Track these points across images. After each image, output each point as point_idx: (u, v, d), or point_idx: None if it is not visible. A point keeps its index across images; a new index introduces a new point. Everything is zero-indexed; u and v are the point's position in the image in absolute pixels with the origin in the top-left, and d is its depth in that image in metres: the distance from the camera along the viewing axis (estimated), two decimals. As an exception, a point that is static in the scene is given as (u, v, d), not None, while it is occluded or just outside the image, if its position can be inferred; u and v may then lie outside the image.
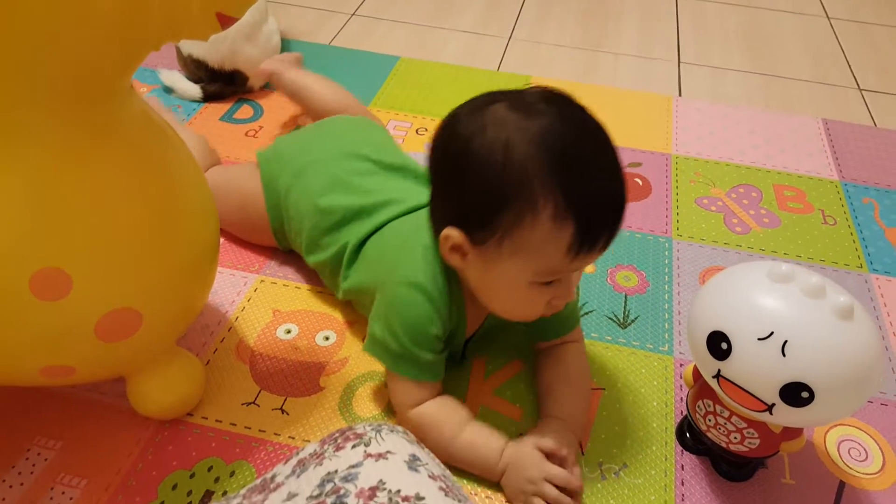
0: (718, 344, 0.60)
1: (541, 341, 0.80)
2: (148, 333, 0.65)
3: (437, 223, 0.68)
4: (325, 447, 0.61)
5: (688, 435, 0.75)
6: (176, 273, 0.65)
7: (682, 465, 0.74)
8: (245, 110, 1.21)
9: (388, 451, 0.59)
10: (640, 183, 1.09)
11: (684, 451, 0.75)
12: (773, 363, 0.57)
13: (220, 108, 1.22)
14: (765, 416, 0.61)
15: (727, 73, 1.40)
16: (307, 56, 1.36)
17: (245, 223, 0.95)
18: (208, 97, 1.22)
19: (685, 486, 0.72)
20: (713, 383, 0.63)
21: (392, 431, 0.60)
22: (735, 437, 0.66)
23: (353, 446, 0.60)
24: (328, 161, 0.87)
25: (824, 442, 0.77)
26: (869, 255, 0.99)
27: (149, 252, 0.62)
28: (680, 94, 1.33)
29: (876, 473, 0.74)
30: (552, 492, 0.67)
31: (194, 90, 1.21)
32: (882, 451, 0.76)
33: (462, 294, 0.72)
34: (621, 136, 1.20)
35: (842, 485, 0.73)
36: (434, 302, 0.69)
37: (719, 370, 0.61)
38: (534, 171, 0.59)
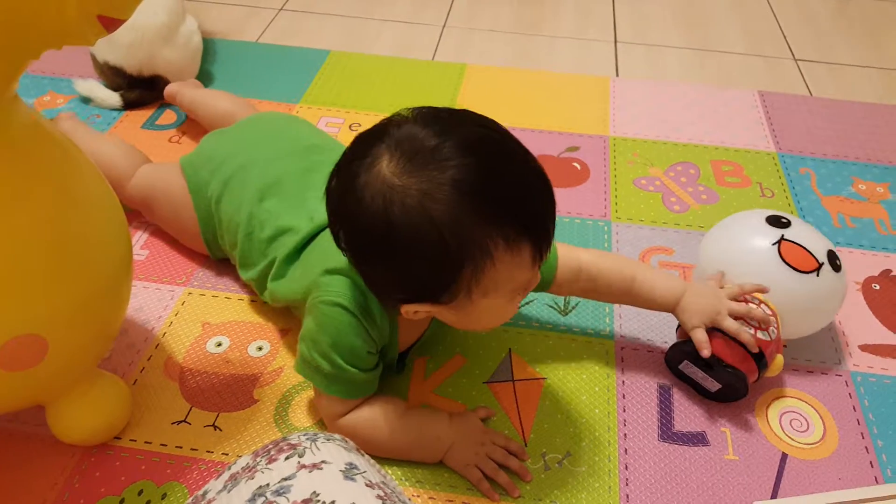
0: (779, 219, 0.81)
1: (546, 290, 0.79)
2: (57, 360, 0.62)
3: (382, 294, 0.66)
4: (258, 460, 0.59)
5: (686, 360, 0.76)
6: (82, 295, 0.61)
7: (626, 450, 0.73)
8: (168, 116, 1.17)
9: (322, 461, 0.57)
10: (579, 167, 1.08)
11: (627, 436, 0.74)
12: (820, 235, 0.81)
13: (142, 115, 1.17)
14: (811, 280, 0.76)
15: (664, 51, 1.40)
16: (232, 55, 1.33)
17: (178, 228, 0.92)
18: (129, 105, 1.17)
19: (629, 470, 0.71)
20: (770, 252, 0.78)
21: (328, 440, 0.58)
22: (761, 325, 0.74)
23: (287, 458, 0.57)
24: (262, 164, 0.84)
25: (766, 415, 0.76)
26: (806, 224, 1.00)
27: (50, 274, 0.59)
28: (617, 75, 1.32)
29: (817, 443, 0.74)
30: (500, 452, 0.70)
31: (113, 98, 1.17)
32: (822, 420, 0.76)
33: (396, 316, 0.69)
34: (558, 120, 1.21)
35: (784, 457, 0.73)
36: (361, 321, 0.67)
37: (782, 235, 0.79)
38: (471, 225, 0.57)
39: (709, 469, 0.71)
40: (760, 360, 0.73)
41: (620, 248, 0.95)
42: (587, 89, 1.26)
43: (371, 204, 0.57)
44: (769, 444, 0.74)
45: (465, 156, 0.57)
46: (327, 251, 0.70)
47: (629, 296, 0.78)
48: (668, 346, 0.82)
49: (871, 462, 0.73)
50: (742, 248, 0.80)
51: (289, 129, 0.91)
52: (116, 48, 1.15)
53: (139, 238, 0.95)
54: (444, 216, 0.56)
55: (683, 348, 0.76)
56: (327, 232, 0.73)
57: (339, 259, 0.67)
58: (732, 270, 0.79)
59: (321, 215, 0.73)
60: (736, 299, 0.75)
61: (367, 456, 0.61)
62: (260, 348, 0.82)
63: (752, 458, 0.72)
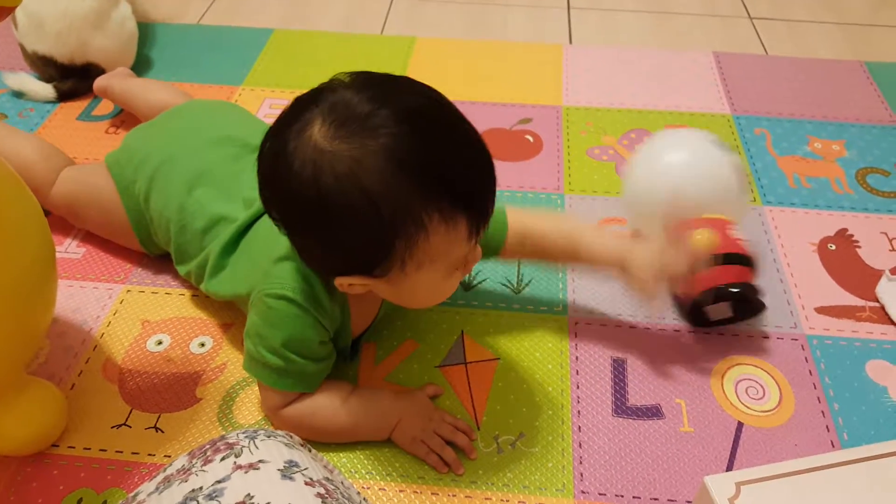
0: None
1: (495, 256, 0.77)
2: (-27, 369, 0.59)
3: (317, 268, 0.63)
4: (194, 461, 0.56)
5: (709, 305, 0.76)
6: (-4, 299, 0.58)
7: (580, 427, 0.71)
8: (105, 106, 1.12)
9: (260, 461, 0.55)
10: (532, 140, 1.05)
11: (581, 413, 0.72)
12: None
13: (78, 106, 1.12)
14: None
15: (618, 15, 1.37)
16: (172, 40, 1.28)
17: (111, 230, 0.88)
18: (63, 96, 1.12)
19: (583, 447, 0.70)
20: None
21: (269, 437, 0.55)
22: None
23: (223, 458, 0.55)
24: (188, 155, 0.80)
25: (722, 384, 0.75)
26: (762, 186, 0.98)
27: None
28: (571, 42, 1.29)
29: (773, 410, 0.73)
30: (448, 428, 0.69)
31: (46, 90, 1.12)
32: (779, 386, 0.75)
33: (346, 299, 0.67)
34: (511, 91, 1.17)
35: (740, 426, 0.71)
36: (308, 311, 0.65)
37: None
38: (404, 196, 0.54)
39: (664, 442, 0.70)
40: (748, 260, 0.75)
41: (574, 221, 0.93)
42: (540, 58, 1.23)
43: (301, 171, 0.55)
44: (725, 413, 0.72)
45: (399, 124, 0.54)
46: (270, 239, 0.67)
47: (575, 255, 0.76)
48: (622, 318, 0.81)
49: (826, 426, 0.72)
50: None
51: (215, 116, 0.87)
52: (45, 37, 1.10)
53: (75, 236, 0.91)
54: (375, 185, 0.54)
55: (698, 301, 0.75)
56: (266, 219, 0.70)
57: (285, 244, 0.65)
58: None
59: (258, 202, 0.69)
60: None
61: (312, 451, 0.58)
62: (202, 344, 0.79)
63: (708, 429, 0.71)
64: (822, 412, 0.73)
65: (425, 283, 0.61)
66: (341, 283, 0.61)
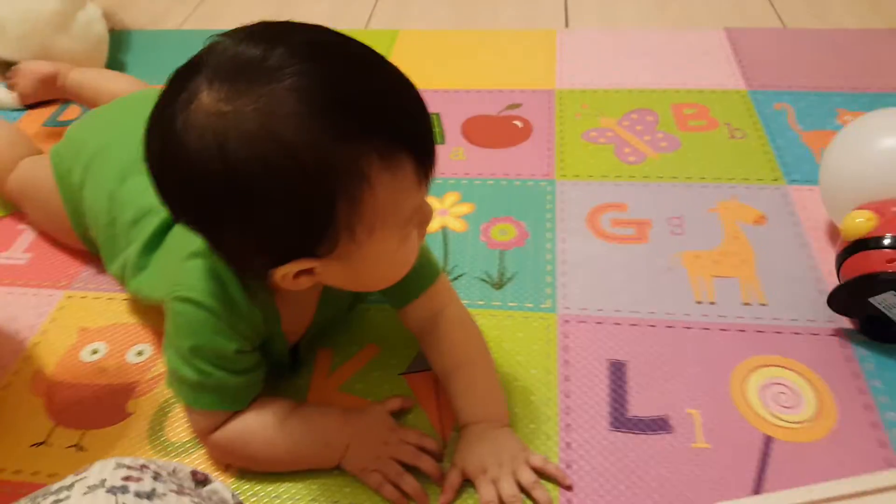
0: None
1: (399, 308, 0.64)
2: None
3: (244, 265, 0.52)
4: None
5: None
6: None
7: (568, 444, 0.59)
8: (72, 111, 1.05)
9: None
10: (520, 125, 0.95)
11: (570, 426, 0.60)
12: None
13: (44, 112, 1.05)
14: None
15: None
16: (150, 45, 1.23)
17: (52, 225, 0.80)
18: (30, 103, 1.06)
19: (572, 468, 0.57)
20: None
21: (95, 489, 0.43)
22: None
23: None
24: (125, 142, 0.71)
25: (744, 390, 0.62)
26: (785, 165, 0.85)
27: None
28: (567, 26, 1.19)
29: (809, 420, 0.60)
30: (409, 450, 0.58)
31: (9, 98, 1.05)
32: (816, 392, 0.62)
33: (272, 298, 0.57)
34: (499, 78, 1.06)
35: (768, 440, 0.58)
36: (221, 315, 0.54)
37: None
38: (331, 143, 0.44)
39: (672, 461, 0.57)
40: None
41: (566, 209, 0.81)
42: (531, 44, 1.13)
43: (199, 145, 0.44)
44: (749, 425, 0.60)
45: (302, 61, 0.44)
46: (187, 234, 0.56)
47: (446, 381, 0.62)
48: (621, 314, 0.69)
49: (879, 440, 0.58)
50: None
51: None
52: (7, 41, 1.04)
53: (24, 241, 0.83)
54: (294, 136, 0.43)
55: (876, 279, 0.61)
56: None
57: (197, 240, 0.54)
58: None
59: None
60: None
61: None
62: (140, 353, 0.70)
63: (728, 444, 0.58)
64: (873, 423, 0.59)
65: (381, 251, 0.50)
66: (283, 275, 0.50)
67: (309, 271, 0.51)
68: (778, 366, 0.64)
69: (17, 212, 0.86)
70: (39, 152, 0.86)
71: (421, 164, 0.48)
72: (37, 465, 0.61)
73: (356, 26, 1.23)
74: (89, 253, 0.79)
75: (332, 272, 0.51)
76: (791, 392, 0.62)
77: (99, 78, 0.96)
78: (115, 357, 0.70)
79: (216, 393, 0.56)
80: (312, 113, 0.43)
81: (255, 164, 0.44)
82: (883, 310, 0.63)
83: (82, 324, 0.73)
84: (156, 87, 0.91)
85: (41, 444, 0.63)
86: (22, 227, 0.85)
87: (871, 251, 0.63)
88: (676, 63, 1.05)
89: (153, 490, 0.43)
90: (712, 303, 0.70)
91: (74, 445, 0.63)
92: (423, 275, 0.63)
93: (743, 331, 0.67)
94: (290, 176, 0.44)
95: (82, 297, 0.76)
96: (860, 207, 0.66)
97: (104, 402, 0.66)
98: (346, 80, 0.45)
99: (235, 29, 0.47)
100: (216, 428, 0.57)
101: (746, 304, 0.69)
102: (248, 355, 0.57)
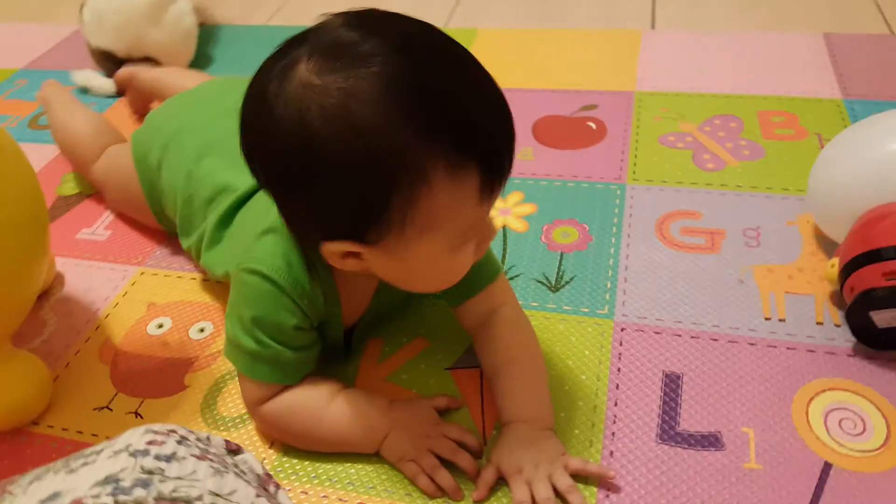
0: None
1: (455, 306, 0.64)
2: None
3: (303, 234, 0.55)
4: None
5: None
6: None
7: (612, 452, 0.57)
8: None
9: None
10: (594, 127, 0.92)
11: (615, 435, 0.58)
12: None
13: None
14: None
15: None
16: (236, 39, 1.28)
17: (130, 206, 0.85)
18: (123, 90, 1.13)
19: (613, 478, 0.55)
20: None
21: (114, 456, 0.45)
22: None
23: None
24: (201, 124, 0.75)
25: (807, 412, 0.58)
26: (877, 179, 0.79)
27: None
28: (653, 27, 1.15)
29: (876, 450, 0.55)
30: (448, 445, 0.57)
31: (108, 85, 1.13)
32: (886, 420, 0.57)
33: (333, 280, 0.58)
34: (576, 78, 1.04)
35: (827, 467, 0.54)
36: (286, 291, 0.56)
37: None
38: (404, 135, 0.45)
39: (720, 480, 0.54)
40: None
41: (634, 214, 0.79)
42: (613, 44, 1.10)
43: (284, 112, 0.46)
44: (808, 449, 0.56)
45: (396, 54, 0.45)
46: (262, 211, 0.60)
47: (494, 378, 0.61)
48: (682, 325, 0.66)
49: (955, 477, 0.53)
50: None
51: (235, 88, 0.82)
52: (105, 32, 1.12)
53: (106, 218, 0.89)
54: (371, 120, 0.44)
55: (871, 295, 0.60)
56: (261, 193, 0.63)
57: (273, 216, 0.57)
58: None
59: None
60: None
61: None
62: (202, 330, 0.73)
63: (781, 467, 0.55)
64: (949, 459, 0.54)
65: (428, 254, 0.50)
66: (330, 251, 0.51)
67: (357, 255, 0.51)
68: (847, 390, 0.59)
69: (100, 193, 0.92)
70: (124, 140, 0.91)
71: (488, 181, 0.48)
72: (97, 428, 0.65)
73: (436, 24, 1.24)
74: (164, 232, 0.83)
75: (378, 262, 0.52)
76: (858, 419, 0.57)
77: (176, 75, 1.01)
78: (179, 332, 0.73)
79: (270, 364, 0.58)
80: (392, 103, 0.44)
81: (327, 140, 0.45)
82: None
83: (151, 299, 0.77)
84: (231, 76, 0.95)
85: (103, 408, 0.66)
86: (104, 205, 0.90)
87: (841, 289, 0.64)
88: (767, 68, 1.00)
89: (173, 453, 0.45)
90: (782, 320, 0.66)
91: (133, 412, 0.66)
92: (483, 273, 0.62)
93: (812, 351, 0.63)
94: (355, 157, 0.45)
95: (153, 274, 0.80)
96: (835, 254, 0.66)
97: (164, 374, 0.69)
98: (432, 79, 0.45)
99: (346, 11, 0.49)
100: (266, 399, 0.59)
101: (819, 323, 0.65)
102: (305, 333, 0.58)
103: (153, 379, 0.69)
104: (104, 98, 1.13)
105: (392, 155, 0.45)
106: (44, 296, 0.79)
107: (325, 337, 0.62)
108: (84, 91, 1.15)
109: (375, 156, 0.45)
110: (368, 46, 0.45)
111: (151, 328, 0.74)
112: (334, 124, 0.45)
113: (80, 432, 0.64)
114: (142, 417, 0.65)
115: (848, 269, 0.62)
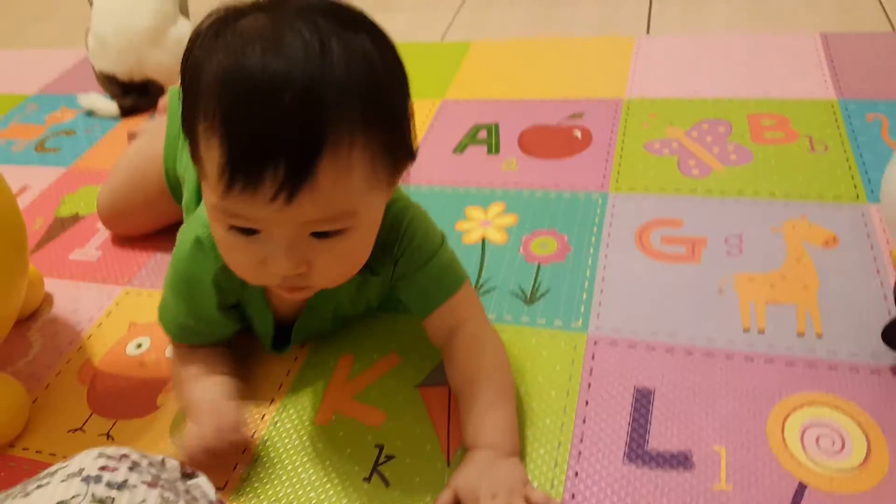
0: None
1: (421, 319, 0.63)
2: None
3: None
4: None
5: None
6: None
7: (577, 472, 0.55)
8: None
9: None
10: (579, 136, 0.91)
11: (581, 454, 0.56)
12: None
13: (139, 120, 1.14)
14: None
15: (707, 2, 1.18)
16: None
17: (138, 173, 0.85)
18: (125, 112, 1.15)
19: (576, 499, 0.53)
20: None
21: (67, 479, 0.44)
22: None
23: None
24: None
25: (782, 429, 0.55)
26: (869, 181, 0.76)
27: None
28: (648, 33, 1.13)
29: (854, 468, 0.52)
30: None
31: (111, 107, 1.15)
32: (867, 438, 0.54)
33: None
34: (565, 87, 1.03)
35: (801, 488, 0.51)
36: (208, 250, 0.59)
37: None
38: (207, 75, 0.46)
39: (687, 503, 0.52)
40: None
41: (615, 223, 0.77)
42: (606, 52, 1.08)
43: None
44: (781, 468, 0.53)
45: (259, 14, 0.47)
46: None
47: (457, 399, 0.59)
48: (657, 338, 0.64)
49: (939, 497, 0.50)
50: None
51: None
52: (107, 55, 1.14)
53: (98, 239, 0.90)
54: (206, 51, 0.47)
55: None
56: None
57: None
58: None
59: None
60: None
61: None
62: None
63: (753, 488, 0.52)
64: (933, 477, 0.51)
65: (210, 208, 0.51)
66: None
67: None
68: (826, 404, 0.57)
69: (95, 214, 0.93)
70: None
71: (231, 159, 0.45)
72: (70, 450, 0.63)
73: (432, 38, 1.24)
74: (151, 251, 0.84)
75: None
76: (837, 435, 0.54)
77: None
78: (156, 351, 0.73)
79: (169, 316, 0.64)
80: (214, 50, 0.47)
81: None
82: None
83: (133, 318, 0.77)
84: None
85: (77, 430, 0.67)
86: (98, 225, 0.91)
87: None
88: (760, 70, 0.97)
89: (125, 481, 0.45)
90: (761, 331, 0.63)
91: (105, 434, 0.66)
92: (443, 285, 0.62)
93: (792, 364, 0.60)
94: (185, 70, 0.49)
95: (138, 294, 0.80)
96: None
97: (138, 394, 0.69)
98: (258, 54, 0.45)
99: None
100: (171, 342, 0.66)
101: (800, 334, 0.62)
102: (211, 310, 0.62)
103: (127, 400, 0.69)
104: (108, 120, 1.16)
105: (195, 81, 0.47)
106: (31, 317, 0.81)
107: (253, 324, 0.66)
108: (89, 113, 1.18)
109: (192, 75, 0.48)
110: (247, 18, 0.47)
111: (130, 348, 0.74)
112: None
113: (52, 455, 0.64)
114: (113, 439, 0.65)
115: None
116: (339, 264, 0.52)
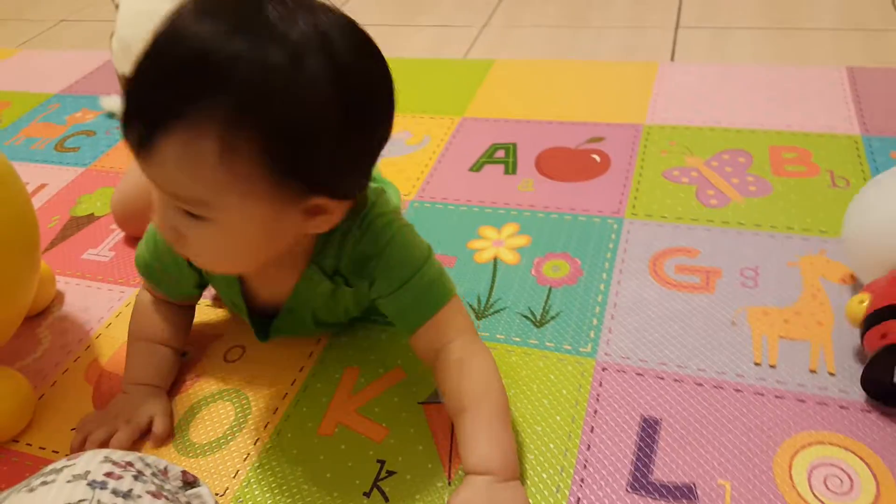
0: None
1: (406, 337, 0.61)
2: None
3: None
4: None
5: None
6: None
7: (579, 499, 0.54)
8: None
9: None
10: (598, 160, 0.91)
11: (584, 482, 0.55)
12: None
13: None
14: None
15: (733, 33, 1.18)
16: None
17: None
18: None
19: (577, 529, 0.53)
20: None
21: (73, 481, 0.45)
22: None
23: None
24: None
25: (790, 467, 0.54)
26: (890, 220, 0.75)
27: None
28: (672, 59, 1.13)
29: (863, 512, 0.51)
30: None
31: (123, 108, 1.17)
32: (876, 480, 0.52)
33: None
34: (586, 110, 1.03)
35: (807, 529, 0.51)
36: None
37: None
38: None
39: (690, 537, 0.51)
40: None
41: (629, 249, 0.76)
42: (629, 76, 1.08)
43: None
44: (787, 506, 0.52)
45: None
46: None
47: (453, 422, 0.58)
48: (666, 368, 0.63)
49: (952, 546, 0.49)
50: None
51: None
52: (130, 59, 1.14)
53: (111, 240, 0.91)
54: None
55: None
56: None
57: None
58: None
59: None
60: None
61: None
62: (184, 354, 0.73)
63: (758, 525, 0.51)
64: (946, 525, 0.50)
65: None
66: None
67: None
68: (836, 445, 0.55)
69: (110, 214, 0.94)
70: None
71: (126, 119, 0.49)
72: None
73: (456, 55, 1.25)
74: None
75: None
76: (846, 476, 0.53)
77: None
78: (165, 353, 0.74)
79: (138, 257, 0.68)
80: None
81: None
82: None
83: (143, 320, 0.78)
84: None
85: (80, 428, 0.68)
86: (113, 226, 0.92)
87: (867, 333, 0.58)
88: (784, 102, 0.97)
89: (130, 490, 0.45)
90: (773, 366, 0.62)
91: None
92: (424, 303, 0.59)
93: (802, 401, 0.59)
94: None
95: (151, 295, 0.81)
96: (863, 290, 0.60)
97: (144, 395, 0.70)
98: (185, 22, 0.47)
99: None
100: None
101: (813, 371, 0.61)
102: (171, 268, 0.65)
103: (132, 401, 0.70)
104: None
105: None
106: (42, 315, 0.82)
107: (221, 294, 0.70)
108: (110, 115, 1.19)
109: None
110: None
111: (138, 349, 0.75)
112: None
113: (55, 452, 0.65)
114: (115, 439, 0.65)
115: (882, 315, 0.57)
116: (204, 250, 0.54)
